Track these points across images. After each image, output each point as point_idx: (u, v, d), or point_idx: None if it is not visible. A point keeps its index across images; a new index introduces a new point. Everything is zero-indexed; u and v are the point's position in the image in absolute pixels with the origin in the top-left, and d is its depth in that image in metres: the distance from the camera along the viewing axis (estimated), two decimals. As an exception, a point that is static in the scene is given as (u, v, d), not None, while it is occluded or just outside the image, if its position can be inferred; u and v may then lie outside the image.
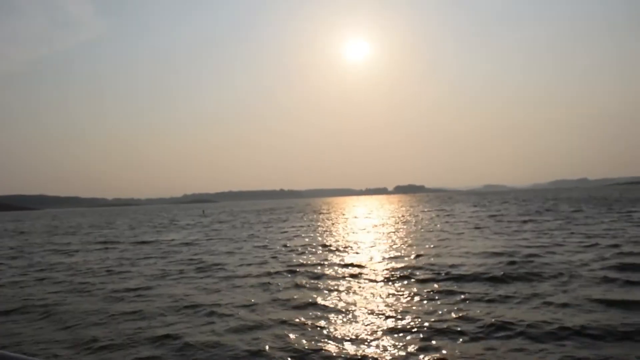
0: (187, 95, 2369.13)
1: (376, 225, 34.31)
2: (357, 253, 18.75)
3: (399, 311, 9.54)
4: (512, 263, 14.25)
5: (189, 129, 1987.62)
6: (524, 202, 68.10)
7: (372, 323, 8.87)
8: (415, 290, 11.38)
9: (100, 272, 16.74)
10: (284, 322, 9.14)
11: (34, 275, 16.95)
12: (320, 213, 65.62)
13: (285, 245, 22.57)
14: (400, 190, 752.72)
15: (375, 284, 12.45)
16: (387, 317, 9.17)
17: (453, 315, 9.07)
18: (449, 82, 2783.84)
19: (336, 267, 15.32)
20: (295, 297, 11.24)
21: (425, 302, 10.27)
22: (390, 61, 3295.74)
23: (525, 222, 30.20)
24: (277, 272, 14.81)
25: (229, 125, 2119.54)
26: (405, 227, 31.64)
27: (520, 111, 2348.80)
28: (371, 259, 16.86)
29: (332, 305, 10.31)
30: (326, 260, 17.10)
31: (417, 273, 13.37)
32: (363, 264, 15.51)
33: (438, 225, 31.09)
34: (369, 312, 9.64)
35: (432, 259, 15.85)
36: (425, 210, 58.27)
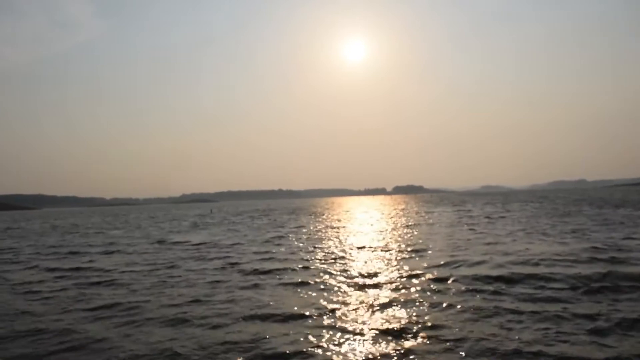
0: (185, 96, 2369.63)
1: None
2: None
3: None
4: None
5: (187, 128, 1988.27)
6: (541, 203, 67.23)
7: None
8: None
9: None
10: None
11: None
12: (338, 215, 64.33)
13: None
14: (399, 190, 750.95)
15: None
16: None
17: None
18: (447, 82, 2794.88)
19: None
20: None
21: None
22: (388, 61, 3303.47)
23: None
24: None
25: (227, 126, 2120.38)
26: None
27: (518, 112, 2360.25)
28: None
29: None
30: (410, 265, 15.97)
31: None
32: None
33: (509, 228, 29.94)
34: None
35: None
36: (448, 211, 57.16)
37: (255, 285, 13.26)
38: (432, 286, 12.00)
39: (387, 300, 10.79)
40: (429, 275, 13.34)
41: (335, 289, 12.32)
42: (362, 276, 13.84)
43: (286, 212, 77.85)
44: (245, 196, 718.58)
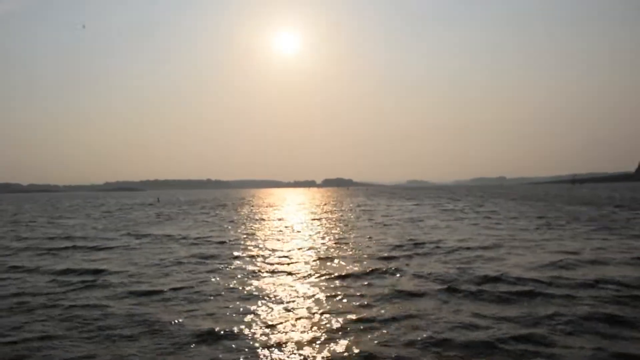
0: (114, 80, 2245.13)
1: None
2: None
3: None
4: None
5: (112, 114, 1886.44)
6: (482, 198, 69.67)
7: None
8: None
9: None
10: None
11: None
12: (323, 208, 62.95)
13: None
14: (328, 183, 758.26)
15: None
16: None
17: None
18: (379, 79, 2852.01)
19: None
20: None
21: None
22: (322, 56, 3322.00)
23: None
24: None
25: (155, 112, 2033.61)
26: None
27: (445, 111, 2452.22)
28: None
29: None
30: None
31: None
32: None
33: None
34: None
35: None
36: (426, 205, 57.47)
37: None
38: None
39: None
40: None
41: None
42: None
43: (238, 203, 75.37)
44: (172, 185, 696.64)
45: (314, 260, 16.16)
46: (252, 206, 64.52)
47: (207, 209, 55.59)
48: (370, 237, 22.40)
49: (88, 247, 21.19)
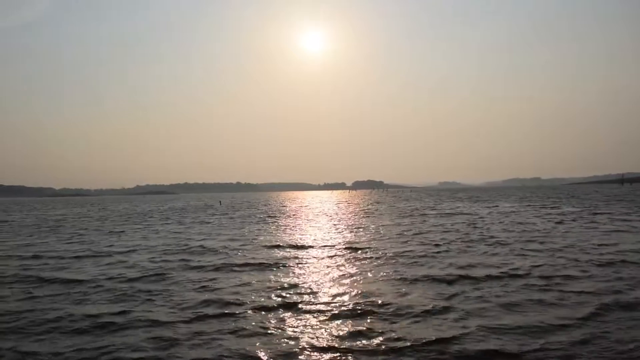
0: (141, 83, 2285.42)
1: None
2: None
3: None
4: None
5: (139, 116, 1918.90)
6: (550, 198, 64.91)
7: None
8: None
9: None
10: None
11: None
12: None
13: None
14: (359, 185, 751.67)
15: None
16: None
17: None
18: (406, 79, 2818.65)
19: None
20: None
21: None
22: (348, 55, 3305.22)
23: None
24: None
25: (182, 116, 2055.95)
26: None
27: (475, 110, 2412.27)
28: None
29: None
30: None
31: None
32: None
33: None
34: None
35: None
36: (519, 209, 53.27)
37: None
38: None
39: None
40: None
41: None
42: None
43: (293, 206, 72.36)
44: (202, 189, 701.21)
45: None
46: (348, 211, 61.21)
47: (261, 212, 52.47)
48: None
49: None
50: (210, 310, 10.24)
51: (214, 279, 13.81)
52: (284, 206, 73.17)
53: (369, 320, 9.28)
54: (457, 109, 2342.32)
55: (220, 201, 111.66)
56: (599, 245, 18.78)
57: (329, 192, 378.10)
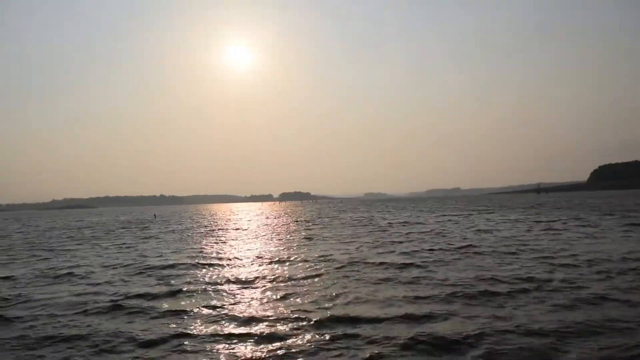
0: (65, 96, 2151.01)
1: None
2: None
3: None
4: None
5: (56, 127, 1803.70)
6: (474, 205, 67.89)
7: None
8: None
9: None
10: None
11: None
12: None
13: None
14: (286, 197, 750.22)
15: None
16: None
17: None
18: (337, 94, 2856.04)
19: None
20: None
21: None
22: (277, 69, 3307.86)
23: None
24: None
25: (102, 127, 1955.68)
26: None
27: (396, 123, 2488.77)
28: None
29: None
30: None
31: None
32: None
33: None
34: None
35: None
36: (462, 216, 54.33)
37: None
38: None
39: None
40: None
41: None
42: None
43: (245, 218, 70.25)
44: (125, 202, 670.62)
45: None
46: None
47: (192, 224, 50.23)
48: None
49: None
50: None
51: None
52: (229, 219, 70.60)
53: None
54: (380, 123, 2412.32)
55: (154, 214, 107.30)
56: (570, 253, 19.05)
57: (259, 203, 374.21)
